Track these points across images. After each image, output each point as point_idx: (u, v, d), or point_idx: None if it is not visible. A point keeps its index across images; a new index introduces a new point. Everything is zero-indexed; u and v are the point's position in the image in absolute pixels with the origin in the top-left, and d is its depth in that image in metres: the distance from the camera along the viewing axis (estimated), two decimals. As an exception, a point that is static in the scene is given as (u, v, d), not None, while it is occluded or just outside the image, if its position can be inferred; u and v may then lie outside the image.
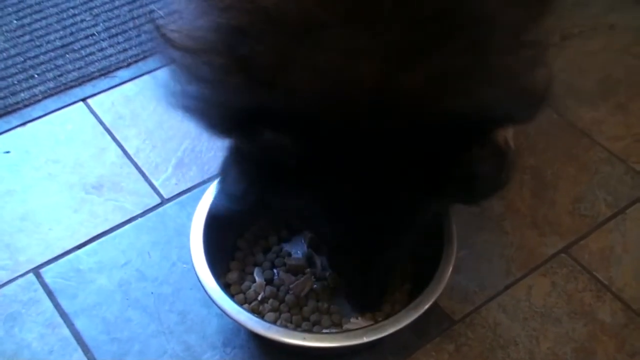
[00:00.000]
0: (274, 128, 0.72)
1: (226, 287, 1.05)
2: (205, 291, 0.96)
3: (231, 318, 0.94)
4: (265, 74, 0.70)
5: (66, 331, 1.05)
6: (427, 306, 0.95)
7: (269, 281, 1.08)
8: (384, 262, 0.95)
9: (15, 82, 1.35)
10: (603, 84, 1.41)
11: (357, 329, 0.95)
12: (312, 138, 0.72)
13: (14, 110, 1.31)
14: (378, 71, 0.69)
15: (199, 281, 0.97)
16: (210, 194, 1.05)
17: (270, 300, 1.05)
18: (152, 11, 1.43)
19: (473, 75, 0.72)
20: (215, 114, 0.76)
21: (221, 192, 0.89)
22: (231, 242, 1.11)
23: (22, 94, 1.33)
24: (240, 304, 0.99)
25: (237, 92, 0.72)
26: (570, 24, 1.50)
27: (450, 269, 0.99)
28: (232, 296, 0.99)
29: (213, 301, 0.95)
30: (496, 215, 1.20)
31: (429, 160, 0.75)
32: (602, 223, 1.20)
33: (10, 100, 1.32)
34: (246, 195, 0.82)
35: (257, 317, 0.95)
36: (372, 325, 0.95)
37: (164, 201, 1.20)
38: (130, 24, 1.45)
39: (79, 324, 1.06)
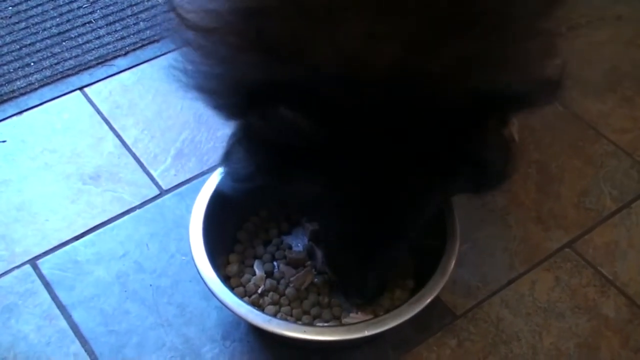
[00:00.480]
0: (290, 105, 0.71)
1: (226, 279, 1.03)
2: (205, 283, 0.95)
3: (231, 311, 0.93)
4: (285, 51, 0.69)
5: (63, 323, 1.04)
6: (428, 300, 0.94)
7: (269, 274, 1.07)
8: (387, 256, 0.94)
9: (11, 70, 1.33)
10: (610, 75, 1.39)
11: (358, 323, 0.94)
12: (328, 117, 0.71)
13: (10, 99, 1.29)
14: (399, 54, 0.69)
15: (199, 273, 0.95)
16: (209, 185, 1.03)
17: (271, 294, 1.04)
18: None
19: (493, 59, 0.73)
20: (230, 92, 0.75)
21: (225, 173, 0.88)
22: (231, 235, 1.10)
23: (18, 82, 1.31)
24: (240, 296, 0.98)
25: (255, 68, 0.71)
26: (577, 15, 1.48)
27: (453, 263, 0.97)
28: (231, 289, 0.97)
29: (213, 293, 0.94)
30: (500, 208, 1.19)
31: (444, 142, 0.75)
32: (607, 217, 1.19)
33: (6, 89, 1.30)
34: (252, 177, 0.81)
35: (257, 310, 0.94)
36: (373, 319, 0.94)
37: (162, 192, 1.18)
38: (128, 12, 1.43)
39: (76, 316, 1.05)
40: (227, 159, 0.85)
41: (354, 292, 1.01)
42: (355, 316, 1.02)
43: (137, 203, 1.17)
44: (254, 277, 1.05)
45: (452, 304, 1.07)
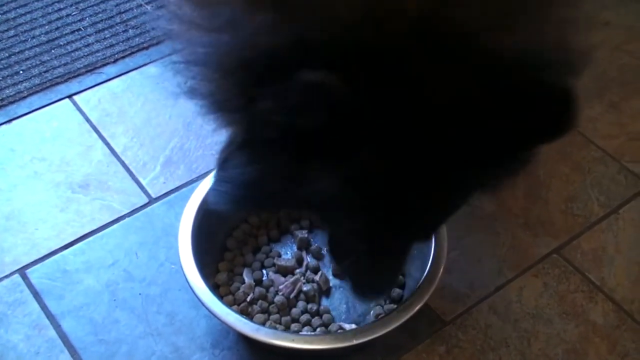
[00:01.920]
0: (312, 67, 0.61)
1: (215, 288, 1.04)
2: (194, 292, 0.95)
3: (219, 320, 0.93)
4: (301, 4, 0.62)
5: (53, 332, 1.04)
6: (417, 308, 0.95)
7: (258, 282, 1.07)
8: (402, 250, 0.86)
9: (0, 79, 1.33)
10: (597, 81, 1.40)
11: (346, 331, 0.94)
12: (357, 80, 0.62)
13: (-1, 107, 1.29)
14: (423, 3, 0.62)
15: (187, 282, 0.96)
16: (198, 193, 1.03)
17: (259, 302, 1.04)
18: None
19: (534, 18, 0.67)
20: (234, 71, 0.67)
21: (220, 180, 0.77)
22: (220, 242, 1.10)
23: (7, 90, 1.31)
24: (229, 305, 0.98)
25: (266, 31, 0.63)
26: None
27: (441, 270, 0.98)
28: (221, 297, 0.98)
29: (201, 302, 0.94)
30: (488, 215, 1.19)
31: (490, 124, 0.66)
32: (594, 223, 1.19)
33: (-5, 97, 1.30)
34: (254, 183, 0.72)
35: (245, 318, 0.94)
36: (361, 327, 0.94)
37: (151, 200, 1.19)
38: (117, 19, 1.43)
39: (65, 325, 1.05)
40: (223, 166, 0.76)
41: (366, 287, 0.92)
42: (344, 324, 1.03)
43: (127, 211, 1.17)
44: (243, 285, 1.06)
45: (441, 310, 1.08)
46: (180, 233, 1.00)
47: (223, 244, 1.11)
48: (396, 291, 1.05)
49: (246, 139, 0.71)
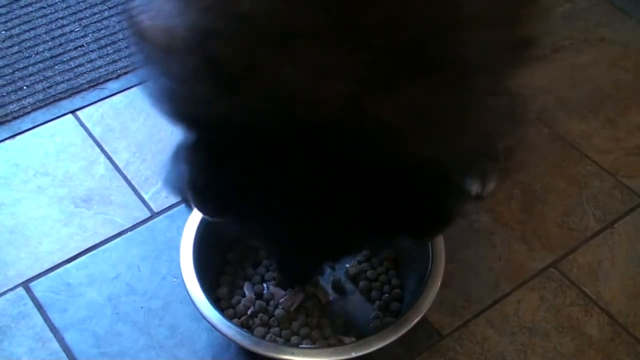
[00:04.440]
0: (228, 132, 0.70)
1: (216, 301, 1.05)
2: (195, 306, 0.96)
3: (220, 333, 0.94)
4: (230, 77, 0.67)
5: (56, 345, 1.05)
6: (415, 321, 0.96)
7: (258, 295, 1.08)
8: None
9: (4, 94, 1.34)
10: (593, 97, 1.42)
11: (345, 344, 0.95)
12: (264, 151, 0.70)
13: (3, 123, 1.31)
14: (347, 93, 0.66)
15: (189, 296, 0.97)
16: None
17: (260, 315, 1.05)
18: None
19: (447, 116, 0.70)
20: (182, 113, 0.74)
21: (167, 182, 0.88)
22: (221, 256, 1.11)
23: (11, 106, 1.33)
24: (230, 318, 0.99)
25: (203, 93, 0.70)
26: (560, 37, 1.51)
27: (439, 284, 0.99)
28: (221, 311, 0.99)
29: (202, 316, 0.95)
30: (485, 228, 1.21)
31: (384, 191, 0.74)
32: (590, 237, 1.21)
33: (-1, 112, 1.32)
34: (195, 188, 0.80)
35: (246, 332, 0.95)
36: (360, 340, 0.95)
37: (153, 215, 1.20)
38: (120, 35, 1.45)
39: (68, 338, 1.06)
40: (176, 157, 0.84)
41: (289, 273, 1.01)
42: (344, 337, 1.04)
43: (129, 225, 1.19)
44: (244, 299, 1.07)
45: (439, 323, 1.09)
46: (182, 247, 1.01)
47: (224, 258, 1.12)
48: (394, 304, 1.07)
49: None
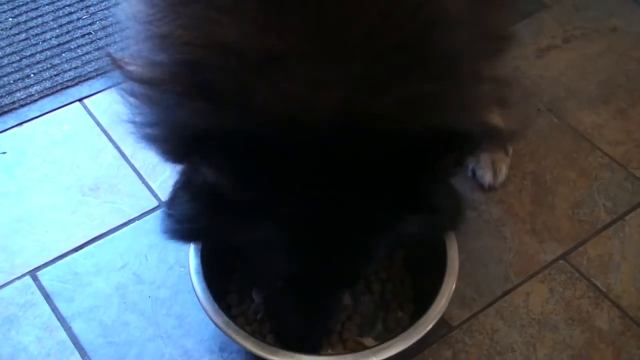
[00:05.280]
0: (218, 160, 0.73)
1: (227, 309, 1.02)
2: (209, 317, 0.95)
3: (237, 343, 0.92)
4: (229, 97, 0.70)
5: (63, 334, 1.05)
6: (434, 322, 0.95)
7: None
8: (331, 300, 0.95)
9: (12, 82, 1.34)
10: (604, 87, 1.41)
11: (365, 350, 0.94)
12: (270, 164, 0.72)
13: (10, 110, 1.30)
14: (345, 96, 0.69)
15: (206, 313, 0.95)
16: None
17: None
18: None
19: (439, 101, 0.73)
20: (173, 140, 0.75)
21: (168, 216, 0.88)
22: (229, 263, 1.09)
23: (18, 94, 1.32)
24: (241, 326, 0.97)
25: (200, 115, 0.71)
26: (572, 27, 1.50)
27: (455, 282, 0.98)
28: (234, 318, 0.97)
29: (220, 329, 0.94)
30: (495, 220, 1.20)
31: (391, 187, 0.76)
32: (601, 229, 1.20)
33: (6, 100, 1.31)
34: (196, 218, 0.83)
35: (259, 338, 0.94)
36: (381, 344, 0.93)
37: (161, 204, 1.19)
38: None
39: (76, 328, 1.06)
40: (172, 203, 0.87)
41: (294, 338, 0.97)
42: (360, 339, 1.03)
43: (136, 214, 1.18)
44: (253, 305, 1.05)
45: (448, 315, 1.08)
46: (191, 258, 0.99)
47: (232, 264, 1.09)
48: (408, 305, 1.06)
49: (185, 181, 0.84)
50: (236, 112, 0.69)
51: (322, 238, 0.80)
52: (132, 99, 0.77)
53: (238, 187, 0.74)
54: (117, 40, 1.40)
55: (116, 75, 0.77)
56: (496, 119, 1.00)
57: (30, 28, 1.42)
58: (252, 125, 0.69)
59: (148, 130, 0.77)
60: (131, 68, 0.76)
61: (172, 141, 0.75)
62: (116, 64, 0.77)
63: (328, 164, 0.72)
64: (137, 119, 0.77)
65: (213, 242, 0.97)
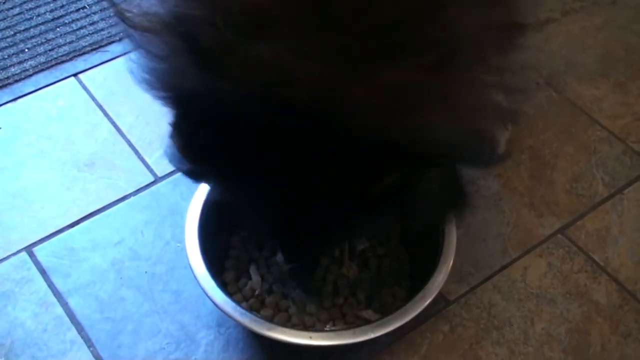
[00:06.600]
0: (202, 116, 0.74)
1: (223, 286, 1.01)
2: (207, 295, 0.95)
3: (234, 320, 0.93)
4: (210, 58, 0.69)
5: (60, 310, 1.05)
6: (431, 298, 0.94)
7: (265, 277, 1.05)
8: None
9: (6, 57, 1.32)
10: (603, 61, 1.40)
11: (363, 325, 0.93)
12: (239, 133, 0.72)
13: (5, 86, 1.29)
14: (322, 74, 0.66)
15: (203, 290, 0.95)
16: (202, 191, 1.02)
17: (272, 296, 1.03)
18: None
19: (430, 98, 0.69)
20: (165, 89, 0.77)
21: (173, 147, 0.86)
22: (225, 240, 1.08)
23: (13, 69, 1.31)
24: (239, 302, 0.96)
25: (186, 72, 0.72)
26: (570, 0, 1.48)
27: (452, 257, 0.98)
28: (230, 295, 0.97)
29: (217, 306, 0.93)
30: (493, 194, 1.20)
31: (360, 175, 0.74)
32: (599, 203, 1.20)
33: (1, 76, 1.30)
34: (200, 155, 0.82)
35: (257, 315, 0.94)
36: (378, 320, 0.93)
37: (157, 179, 1.19)
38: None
39: (72, 303, 1.06)
40: (177, 131, 0.84)
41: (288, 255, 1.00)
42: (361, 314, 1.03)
43: (132, 190, 1.18)
44: (250, 282, 1.05)
45: (445, 289, 1.08)
46: (187, 233, 0.98)
47: (228, 242, 1.09)
48: (405, 281, 1.06)
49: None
50: (215, 77, 0.69)
51: (296, 209, 0.80)
52: (131, 44, 0.78)
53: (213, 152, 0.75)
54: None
55: (117, 21, 0.78)
56: (498, 96, 0.96)
57: (24, 2, 1.41)
58: (228, 93, 0.69)
59: (142, 75, 0.78)
60: (130, 15, 0.76)
61: (160, 90, 0.77)
62: (116, 10, 0.77)
63: (300, 140, 0.70)
64: (135, 63, 0.78)
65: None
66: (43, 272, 1.08)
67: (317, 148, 0.71)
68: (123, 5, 0.77)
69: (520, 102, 0.79)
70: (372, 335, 0.91)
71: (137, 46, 0.77)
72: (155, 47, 0.75)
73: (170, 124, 0.82)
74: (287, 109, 0.67)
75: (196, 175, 0.88)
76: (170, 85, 0.75)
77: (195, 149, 0.79)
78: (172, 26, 0.72)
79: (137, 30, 0.76)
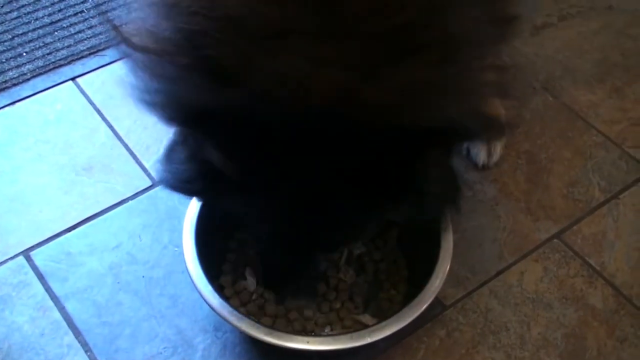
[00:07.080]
0: (216, 136, 0.73)
1: (221, 289, 1.02)
2: (204, 299, 0.94)
3: (232, 325, 0.92)
4: (228, 73, 0.69)
5: (57, 314, 1.05)
6: (428, 302, 0.95)
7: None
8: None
9: (3, 60, 1.33)
10: (600, 66, 1.40)
11: (360, 330, 0.93)
12: (261, 143, 0.71)
13: (2, 90, 1.29)
14: (341, 80, 0.68)
15: (200, 294, 0.95)
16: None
17: (268, 301, 1.03)
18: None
19: (439, 90, 0.71)
20: (173, 109, 0.75)
21: (165, 171, 0.87)
22: (222, 244, 1.09)
23: (11, 73, 1.31)
24: (236, 307, 0.97)
25: (198, 90, 0.71)
26: (567, 5, 1.49)
27: (449, 262, 0.98)
28: (227, 299, 0.97)
29: (214, 310, 0.93)
30: (489, 199, 1.20)
31: (381, 171, 0.75)
32: (595, 208, 1.20)
33: (-2, 79, 1.30)
34: (193, 180, 0.82)
35: (254, 320, 0.94)
36: (375, 325, 0.94)
37: (155, 183, 1.19)
38: (120, 1, 1.42)
39: (69, 307, 1.06)
40: (168, 156, 0.86)
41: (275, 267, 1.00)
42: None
43: (130, 194, 1.18)
44: (244, 282, 1.05)
45: (442, 294, 1.08)
46: (184, 237, 0.98)
47: (225, 245, 1.09)
48: (401, 286, 1.06)
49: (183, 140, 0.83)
50: (235, 91, 0.68)
51: (306, 213, 0.79)
52: (132, 66, 0.75)
53: (232, 165, 0.74)
54: (116, 7, 1.40)
55: (116, 41, 0.75)
56: (495, 103, 0.98)
57: (22, 6, 1.41)
58: (248, 107, 0.68)
59: (147, 96, 0.75)
60: (133, 36, 0.74)
61: (170, 111, 0.75)
62: (117, 32, 0.75)
63: (317, 146, 0.71)
64: (137, 84, 0.75)
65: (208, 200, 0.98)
66: (40, 276, 1.08)
67: (340, 149, 0.72)
68: (122, 25, 0.75)
69: (516, 103, 0.82)
70: (369, 340, 0.91)
71: (140, 67, 0.75)
72: (161, 68, 0.73)
73: (171, 143, 0.83)
74: (309, 115, 0.68)
75: (194, 193, 0.89)
76: (182, 105, 0.73)
77: (204, 164, 0.78)
78: (184, 47, 0.70)
79: (139, 51, 0.74)
